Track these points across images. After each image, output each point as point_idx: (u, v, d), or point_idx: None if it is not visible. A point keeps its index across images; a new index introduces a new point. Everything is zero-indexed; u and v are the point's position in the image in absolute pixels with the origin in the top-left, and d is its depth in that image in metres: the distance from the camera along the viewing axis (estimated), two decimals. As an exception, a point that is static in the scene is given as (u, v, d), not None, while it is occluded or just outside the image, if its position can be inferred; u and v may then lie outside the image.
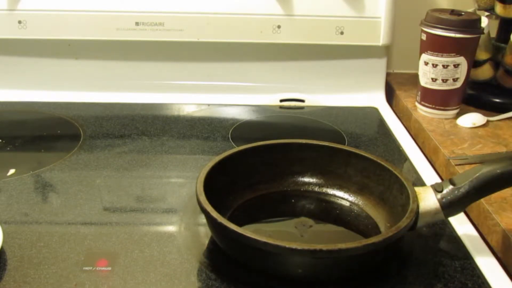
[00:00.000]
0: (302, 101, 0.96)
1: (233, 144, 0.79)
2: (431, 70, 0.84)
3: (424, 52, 0.85)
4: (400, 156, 0.78)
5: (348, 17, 0.91)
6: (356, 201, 0.63)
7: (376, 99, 0.98)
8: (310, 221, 0.61)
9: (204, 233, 0.58)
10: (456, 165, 0.71)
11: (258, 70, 0.97)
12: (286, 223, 0.62)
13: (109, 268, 0.51)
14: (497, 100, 0.90)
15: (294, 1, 0.90)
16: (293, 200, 0.64)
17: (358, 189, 0.63)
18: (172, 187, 0.68)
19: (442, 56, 0.82)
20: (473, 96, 0.92)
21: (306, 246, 0.46)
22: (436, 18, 0.82)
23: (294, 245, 0.46)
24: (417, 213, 0.53)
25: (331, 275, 0.51)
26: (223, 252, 0.54)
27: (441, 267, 0.54)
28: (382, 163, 0.60)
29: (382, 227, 0.58)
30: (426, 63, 0.85)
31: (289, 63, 0.97)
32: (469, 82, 0.88)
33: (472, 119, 0.85)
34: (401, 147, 0.81)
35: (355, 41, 0.93)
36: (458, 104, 0.87)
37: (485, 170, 0.53)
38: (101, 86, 0.95)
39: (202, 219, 0.57)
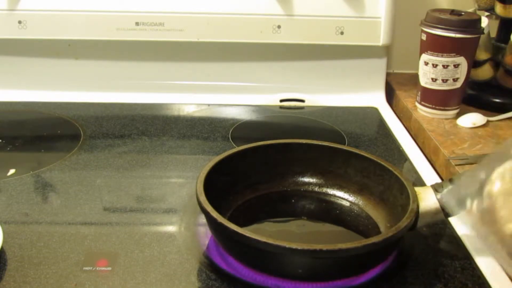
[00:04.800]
0: (302, 101, 0.97)
1: (233, 144, 0.79)
2: (431, 70, 0.84)
3: (424, 52, 0.85)
4: (400, 156, 0.78)
5: (348, 17, 0.91)
6: (356, 201, 0.63)
7: (376, 99, 0.98)
8: (310, 221, 0.61)
9: (204, 233, 0.58)
10: (456, 165, 0.71)
11: (258, 70, 0.97)
12: (286, 223, 0.62)
13: (109, 268, 0.51)
14: (497, 100, 0.90)
15: (294, 1, 0.90)
16: (293, 200, 0.64)
17: (358, 189, 0.63)
18: (172, 187, 0.68)
19: (442, 56, 0.82)
20: (473, 96, 0.92)
21: (306, 246, 0.46)
22: (436, 18, 0.82)
23: (294, 245, 0.46)
24: (417, 213, 0.53)
25: (331, 275, 0.51)
26: (223, 252, 0.54)
27: (441, 267, 0.54)
28: (382, 163, 0.60)
29: (382, 227, 0.58)
30: (426, 63, 0.85)
31: (289, 63, 0.97)
32: (469, 82, 0.88)
33: (472, 119, 0.85)
34: (401, 147, 0.81)
35: (355, 41, 0.93)
36: (458, 104, 0.87)
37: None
38: (101, 86, 0.95)
39: (202, 219, 0.57)
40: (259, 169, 0.63)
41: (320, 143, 0.64)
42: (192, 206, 0.62)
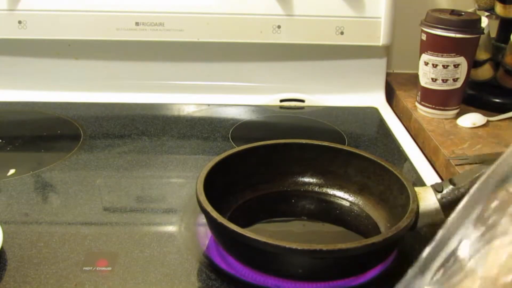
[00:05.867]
0: (302, 101, 0.96)
1: (233, 144, 0.79)
2: (431, 70, 0.84)
3: (424, 52, 0.85)
4: (400, 156, 0.78)
5: (348, 17, 0.91)
6: (356, 201, 0.63)
7: (376, 99, 0.98)
8: (310, 221, 0.61)
9: (204, 233, 0.58)
10: (456, 165, 0.71)
11: (258, 70, 0.97)
12: (286, 223, 0.62)
13: (109, 268, 0.51)
14: (497, 100, 0.90)
15: (294, 1, 0.90)
16: (293, 200, 0.64)
17: (358, 189, 0.63)
18: (172, 187, 0.68)
19: (442, 56, 0.82)
20: (473, 96, 0.92)
21: (306, 246, 0.46)
22: (436, 18, 0.82)
23: (294, 245, 0.46)
24: (417, 213, 0.53)
25: (331, 275, 0.51)
26: (223, 252, 0.54)
27: (441, 267, 0.54)
28: (382, 163, 0.60)
29: (382, 227, 0.58)
30: (426, 63, 0.85)
31: (289, 63, 0.97)
32: (469, 82, 0.88)
33: (472, 119, 0.85)
34: (401, 147, 0.81)
35: (355, 41, 0.93)
36: (458, 104, 0.87)
37: (485, 170, 0.53)
38: (101, 86, 0.95)
39: (202, 219, 0.57)
40: (259, 169, 0.63)
41: (320, 143, 0.64)
42: (192, 206, 0.62)
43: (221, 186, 0.58)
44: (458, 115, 0.87)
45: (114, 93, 0.95)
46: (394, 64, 1.09)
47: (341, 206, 0.63)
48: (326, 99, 0.97)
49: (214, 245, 0.55)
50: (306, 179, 0.65)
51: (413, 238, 0.57)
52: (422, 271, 0.32)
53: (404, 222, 0.50)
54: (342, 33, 0.92)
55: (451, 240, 0.32)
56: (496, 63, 0.91)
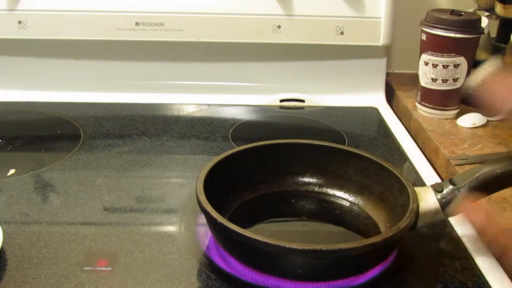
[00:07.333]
0: (302, 101, 0.96)
1: (233, 144, 0.79)
2: (431, 70, 0.84)
3: (424, 52, 0.85)
4: (400, 156, 0.78)
5: (348, 17, 0.91)
6: (356, 201, 0.63)
7: (376, 99, 0.98)
8: (310, 221, 0.61)
9: (204, 233, 0.58)
10: (456, 165, 0.71)
11: (258, 70, 0.97)
12: (286, 223, 0.62)
13: (109, 268, 0.51)
14: (497, 100, 0.90)
15: (294, 1, 0.90)
16: (293, 200, 0.64)
17: (358, 189, 0.63)
18: (172, 187, 0.68)
19: (442, 56, 0.82)
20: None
21: (306, 246, 0.46)
22: (436, 18, 0.82)
23: (294, 245, 0.46)
24: (417, 213, 0.53)
25: (331, 275, 0.51)
26: (223, 252, 0.54)
27: (441, 267, 0.54)
28: (382, 163, 0.60)
29: (382, 227, 0.58)
30: (426, 63, 0.85)
31: (289, 63, 0.97)
32: (469, 82, 0.88)
33: (472, 119, 0.85)
34: (401, 147, 0.81)
35: (355, 41, 0.93)
36: (458, 104, 0.87)
37: (485, 170, 0.53)
38: (101, 86, 0.95)
39: (202, 219, 0.57)
40: (259, 169, 0.63)
41: (320, 143, 0.64)
42: (192, 206, 0.62)
43: (221, 186, 0.58)
44: (458, 115, 0.87)
45: (114, 93, 0.95)
46: (394, 64, 1.09)
47: (341, 206, 0.63)
48: (326, 99, 0.97)
49: (214, 245, 0.55)
50: (306, 179, 0.65)
51: (413, 238, 0.57)
52: None
53: (404, 222, 0.50)
54: (342, 33, 0.92)
55: None
56: (496, 63, 0.91)
